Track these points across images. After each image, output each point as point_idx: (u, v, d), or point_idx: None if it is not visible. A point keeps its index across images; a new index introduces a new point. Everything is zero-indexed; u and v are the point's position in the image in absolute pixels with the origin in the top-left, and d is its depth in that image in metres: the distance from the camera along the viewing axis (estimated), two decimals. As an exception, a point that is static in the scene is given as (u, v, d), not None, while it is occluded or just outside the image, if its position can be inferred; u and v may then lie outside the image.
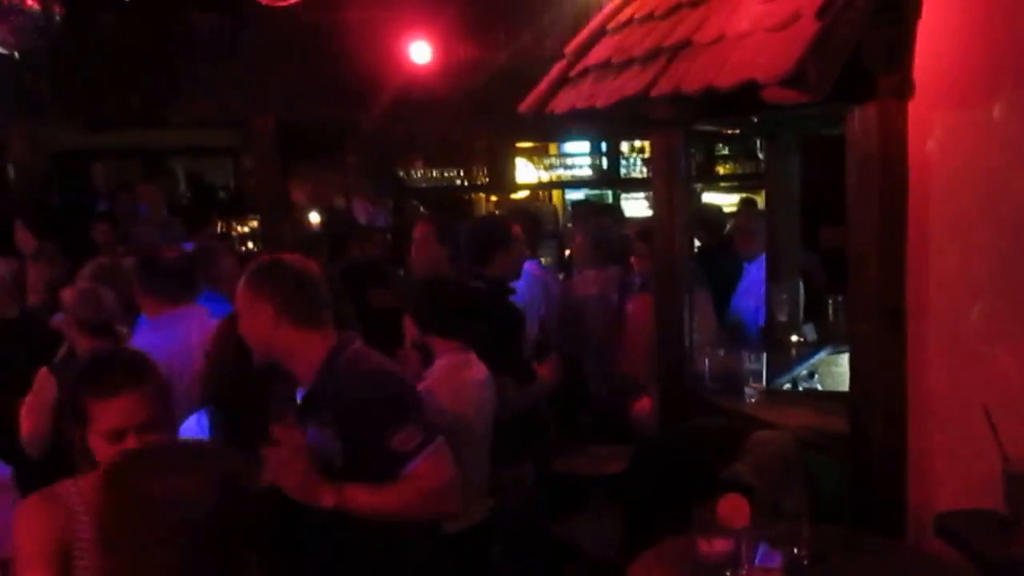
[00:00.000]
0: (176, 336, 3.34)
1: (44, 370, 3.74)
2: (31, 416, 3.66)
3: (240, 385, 2.75)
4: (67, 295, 4.11)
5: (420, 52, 8.03)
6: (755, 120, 4.06)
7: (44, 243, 6.32)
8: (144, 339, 3.27)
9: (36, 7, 4.95)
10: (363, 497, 2.47)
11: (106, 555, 1.43)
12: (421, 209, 10.51)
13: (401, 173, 10.86)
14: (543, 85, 3.52)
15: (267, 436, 2.43)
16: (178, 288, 3.42)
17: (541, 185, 11.55)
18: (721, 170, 11.46)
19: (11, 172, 10.08)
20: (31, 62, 5.23)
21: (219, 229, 9.63)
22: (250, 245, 9.86)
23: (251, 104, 9.20)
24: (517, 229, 4.49)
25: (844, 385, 3.06)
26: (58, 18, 5.11)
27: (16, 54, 5.04)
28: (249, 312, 2.58)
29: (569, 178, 11.58)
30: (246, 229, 9.93)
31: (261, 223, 9.80)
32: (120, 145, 11.06)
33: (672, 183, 3.75)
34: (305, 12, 7.05)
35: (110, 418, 2.09)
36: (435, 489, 2.54)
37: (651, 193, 9.17)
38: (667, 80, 2.81)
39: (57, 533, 2.08)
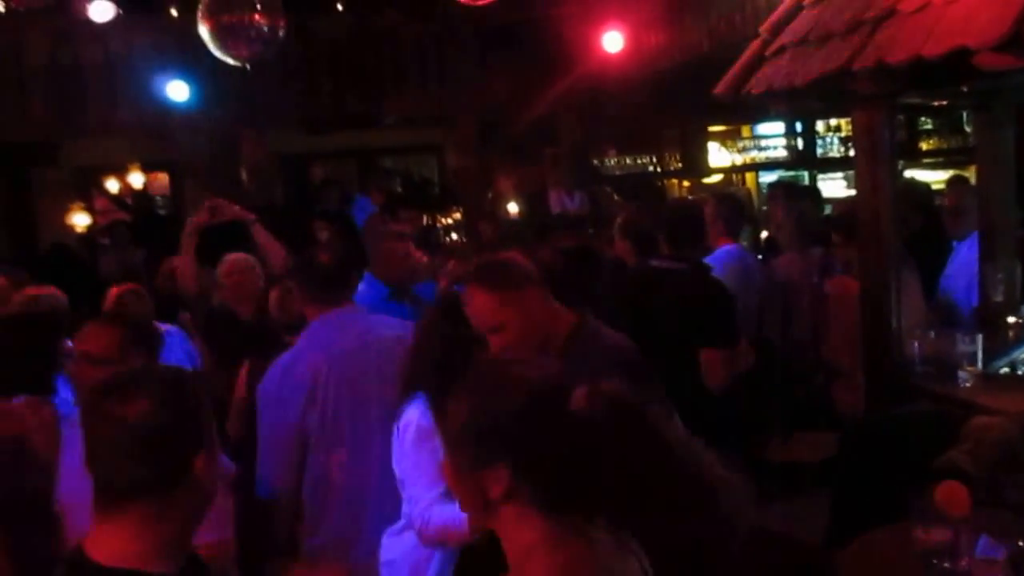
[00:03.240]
0: (326, 340, 3.35)
1: (249, 363, 3.96)
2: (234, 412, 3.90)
3: (450, 369, 2.79)
4: (271, 297, 4.37)
5: (613, 41, 7.97)
6: (964, 90, 3.77)
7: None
8: (298, 345, 3.35)
9: (264, 21, 5.25)
10: None
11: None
12: (615, 197, 10.46)
13: (595, 161, 10.83)
14: (738, 66, 3.41)
15: None
16: (331, 291, 3.43)
17: (735, 168, 11.22)
18: (925, 146, 10.73)
19: (243, 175, 10.82)
20: (258, 72, 5.56)
21: (425, 222, 9.95)
22: (454, 236, 10.15)
23: (454, 103, 9.46)
24: (710, 210, 4.46)
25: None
26: (282, 30, 5.39)
27: (247, 66, 5.36)
28: (518, 304, 2.52)
29: (763, 160, 11.18)
30: (450, 221, 10.21)
31: (464, 215, 10.07)
32: (336, 146, 11.62)
33: (875, 161, 3.53)
34: (502, 12, 7.16)
35: None
36: None
37: (850, 172, 8.71)
38: (870, 53, 2.64)
39: None
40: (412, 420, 2.69)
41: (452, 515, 2.47)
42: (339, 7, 8.95)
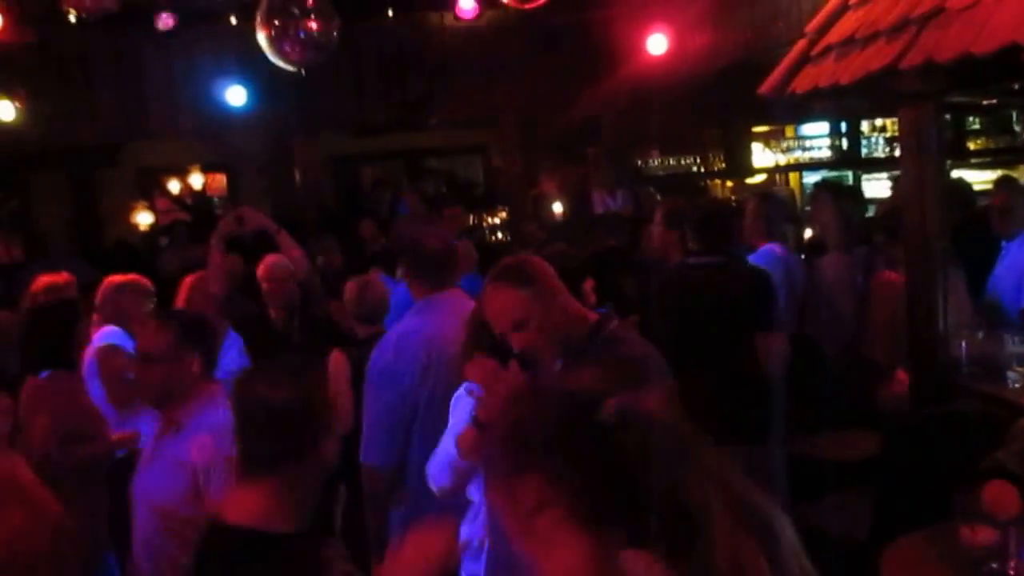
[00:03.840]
0: (435, 319, 3.43)
1: (337, 353, 4.02)
2: (337, 396, 3.93)
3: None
4: (348, 288, 4.42)
5: (657, 43, 7.90)
6: (1015, 88, 3.67)
7: (325, 237, 6.86)
8: (408, 322, 3.40)
9: (318, 27, 5.29)
10: None
11: None
12: (657, 197, 10.38)
13: (638, 162, 10.76)
14: (783, 66, 3.35)
15: None
16: (438, 274, 3.52)
17: (778, 168, 11.06)
18: (972, 145, 10.47)
19: (297, 176, 10.94)
20: (311, 76, 5.60)
21: (471, 221, 9.97)
22: (499, 236, 10.15)
23: (499, 104, 9.46)
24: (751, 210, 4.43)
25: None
26: (335, 36, 5.43)
27: (301, 70, 5.41)
28: (539, 302, 2.49)
29: (807, 160, 11.01)
30: (496, 221, 10.21)
31: (509, 215, 10.07)
32: (385, 148, 11.69)
33: (922, 160, 3.45)
34: (548, 15, 7.14)
35: None
36: None
37: (895, 172, 8.53)
38: (917, 51, 2.58)
39: None
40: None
41: (441, 458, 2.65)
42: (389, 12, 8.99)
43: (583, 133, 9.75)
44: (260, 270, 4.78)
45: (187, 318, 3.01)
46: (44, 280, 4.56)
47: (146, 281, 4.49)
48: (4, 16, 6.49)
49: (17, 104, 8.14)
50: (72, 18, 5.96)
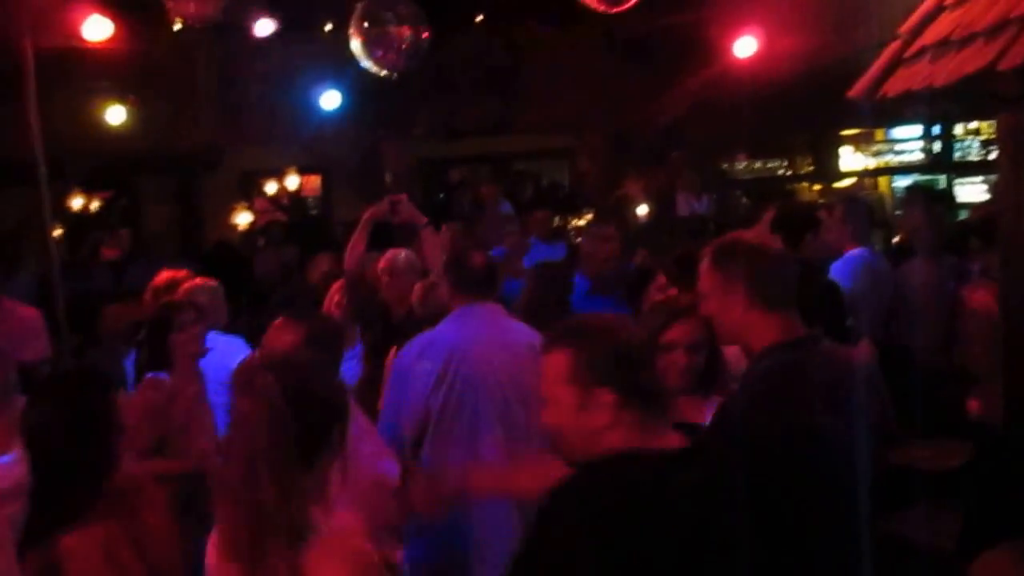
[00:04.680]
0: (464, 330, 3.41)
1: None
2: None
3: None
4: (415, 289, 4.42)
5: (745, 47, 7.76)
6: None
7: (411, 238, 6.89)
8: (439, 328, 3.42)
9: (409, 34, 5.35)
10: None
11: None
12: (743, 200, 10.18)
13: (724, 165, 10.59)
14: (875, 68, 3.24)
15: None
16: (476, 288, 3.50)
17: (868, 172, 10.74)
18: (1073, 149, 9.97)
19: (388, 178, 11.11)
20: (402, 82, 5.68)
21: (555, 223, 9.96)
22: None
23: (585, 110, 9.43)
24: (824, 213, 4.33)
25: None
26: (426, 42, 5.49)
27: (393, 75, 5.49)
28: (717, 293, 2.38)
29: (897, 164, 10.66)
30: (581, 223, 10.18)
31: (595, 218, 10.01)
32: (473, 151, 11.77)
33: (1020, 165, 3.29)
34: (636, 19, 7.08)
35: None
36: None
37: (991, 177, 8.19)
38: (1017, 52, 2.46)
39: None
40: None
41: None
42: (478, 19, 9.06)
43: (669, 136, 9.64)
44: (381, 263, 4.78)
45: (316, 321, 2.99)
46: (165, 275, 4.56)
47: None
48: (115, 26, 6.77)
49: (127, 109, 8.47)
50: (177, 27, 6.17)
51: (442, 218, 8.84)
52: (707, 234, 6.26)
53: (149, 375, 3.54)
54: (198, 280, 4.45)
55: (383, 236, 5.09)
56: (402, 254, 4.75)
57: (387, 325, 4.56)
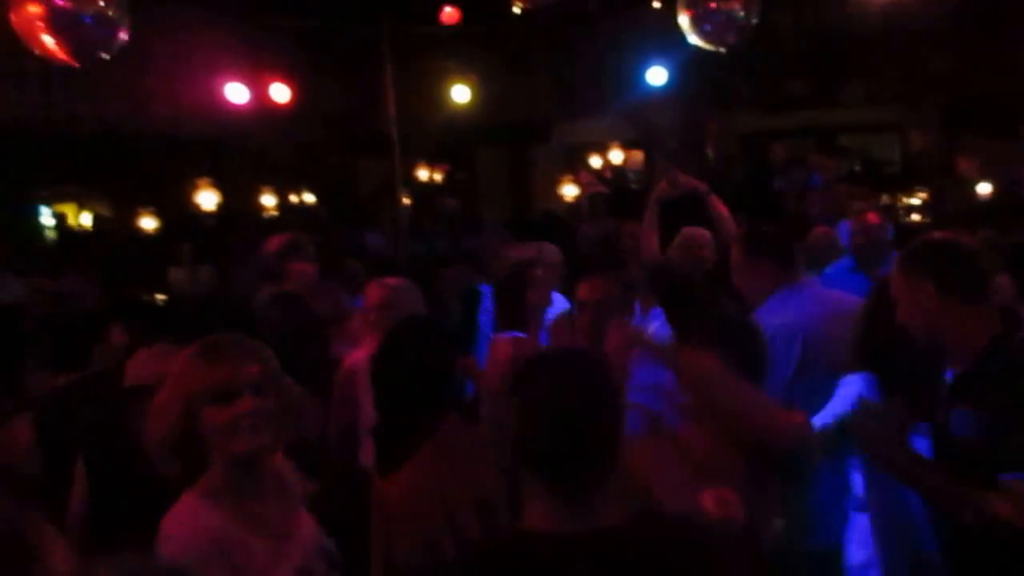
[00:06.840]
0: (793, 310, 3.19)
1: None
2: None
3: (894, 351, 2.52)
4: None
5: None
6: None
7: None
8: (765, 311, 3.20)
9: (740, 7, 5.09)
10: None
11: None
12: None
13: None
14: None
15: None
16: (781, 264, 3.25)
17: None
18: None
19: (710, 152, 10.83)
20: (729, 55, 5.41)
21: (884, 201, 9.15)
22: (915, 217, 9.21)
23: (921, 78, 8.52)
24: None
25: None
26: (755, 18, 5.18)
27: (722, 51, 5.25)
28: (907, 294, 2.29)
29: None
30: (914, 201, 9.26)
31: (930, 195, 9.10)
32: (795, 125, 11.16)
33: None
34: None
35: None
36: None
37: None
38: None
39: None
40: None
41: None
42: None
43: (1013, 109, 8.41)
44: (675, 241, 4.69)
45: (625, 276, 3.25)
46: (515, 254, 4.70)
47: None
48: (456, 10, 7.19)
49: (469, 87, 8.97)
50: (517, 10, 6.35)
51: (763, 194, 8.44)
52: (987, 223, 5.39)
53: (505, 335, 3.48)
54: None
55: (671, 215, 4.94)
56: (694, 233, 4.57)
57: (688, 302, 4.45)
